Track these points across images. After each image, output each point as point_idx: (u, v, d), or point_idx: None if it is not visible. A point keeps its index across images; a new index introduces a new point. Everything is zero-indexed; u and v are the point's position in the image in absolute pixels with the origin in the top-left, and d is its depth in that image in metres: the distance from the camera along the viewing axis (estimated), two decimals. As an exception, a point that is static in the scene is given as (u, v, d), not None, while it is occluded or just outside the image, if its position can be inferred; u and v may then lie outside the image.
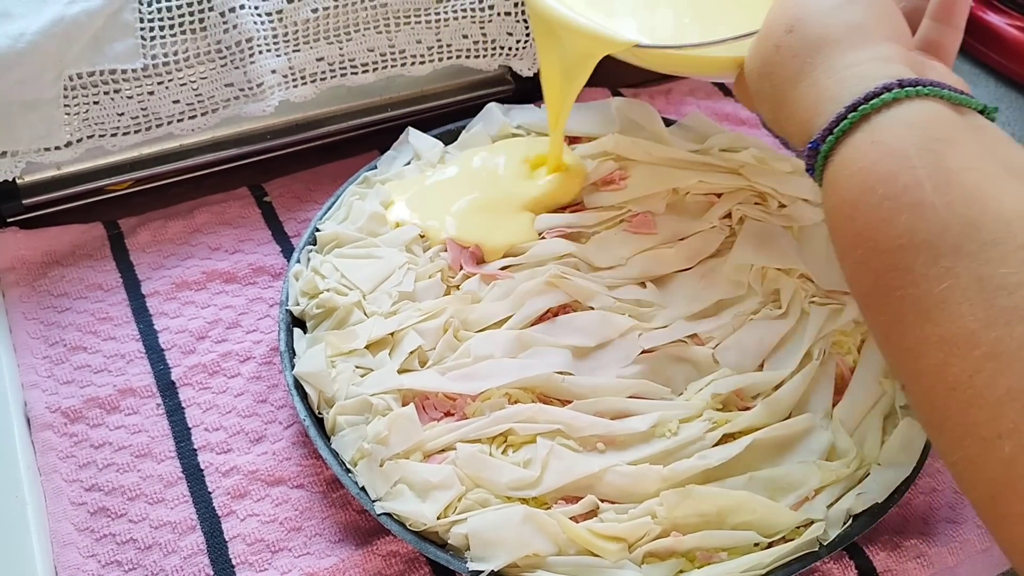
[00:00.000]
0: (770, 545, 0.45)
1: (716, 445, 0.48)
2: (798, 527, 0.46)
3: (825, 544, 0.46)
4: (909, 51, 0.39)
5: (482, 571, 0.43)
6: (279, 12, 0.61)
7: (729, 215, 0.59)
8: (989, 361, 0.29)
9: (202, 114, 0.62)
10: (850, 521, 0.47)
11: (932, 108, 0.34)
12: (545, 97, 0.58)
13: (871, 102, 0.35)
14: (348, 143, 0.69)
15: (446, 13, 0.65)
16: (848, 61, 0.38)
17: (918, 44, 0.42)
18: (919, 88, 0.34)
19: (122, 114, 0.59)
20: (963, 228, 0.31)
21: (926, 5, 0.45)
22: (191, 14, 0.59)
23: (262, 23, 0.60)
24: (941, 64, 0.40)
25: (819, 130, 0.37)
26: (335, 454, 0.49)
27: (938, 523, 0.50)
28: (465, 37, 0.67)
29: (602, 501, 0.46)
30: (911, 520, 0.50)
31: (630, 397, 0.50)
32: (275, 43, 0.61)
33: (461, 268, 0.56)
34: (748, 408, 0.50)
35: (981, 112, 0.36)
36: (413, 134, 0.65)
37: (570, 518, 0.45)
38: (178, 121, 0.61)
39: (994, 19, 0.82)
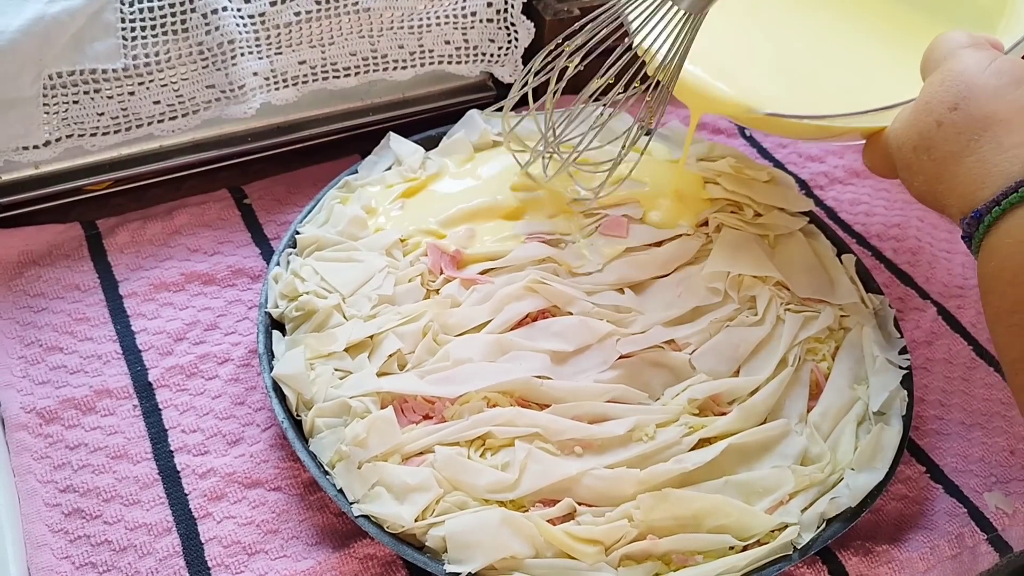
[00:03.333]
0: (745, 548, 0.46)
1: (692, 449, 0.49)
2: (772, 531, 0.47)
3: (799, 548, 0.46)
4: None
5: (459, 573, 0.44)
6: (262, 15, 0.61)
7: (706, 223, 0.59)
8: None
9: (183, 115, 0.61)
10: (823, 525, 0.47)
11: None
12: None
13: None
14: (329, 147, 0.69)
15: (429, 19, 0.66)
16: (1017, 141, 0.39)
17: None
18: None
19: (102, 114, 0.59)
20: None
21: None
22: (173, 15, 0.58)
23: (244, 25, 0.60)
24: None
25: (984, 202, 0.39)
26: (313, 456, 0.49)
27: (909, 529, 0.51)
28: (447, 43, 0.67)
29: (579, 504, 0.46)
30: (883, 525, 0.51)
31: (608, 401, 0.51)
32: (257, 46, 0.61)
33: (441, 272, 0.56)
34: (724, 413, 0.51)
35: None
36: (394, 139, 0.65)
37: (547, 521, 0.45)
38: (158, 122, 0.61)
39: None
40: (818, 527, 0.47)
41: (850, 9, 0.61)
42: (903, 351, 0.55)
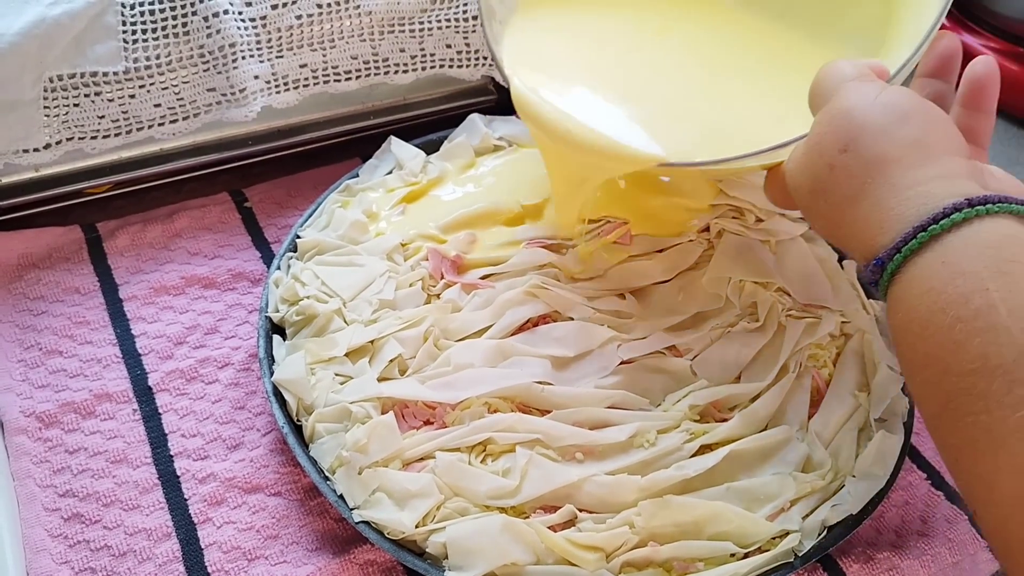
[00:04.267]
0: (746, 555, 0.46)
1: (693, 456, 0.49)
2: (773, 538, 0.46)
3: (800, 555, 0.46)
4: (969, 160, 0.38)
5: (460, 580, 0.44)
6: (263, 18, 0.61)
7: (707, 228, 0.59)
8: None
9: (183, 118, 0.61)
10: (825, 532, 0.47)
11: (1002, 226, 0.34)
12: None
13: (940, 223, 0.34)
14: (330, 150, 0.69)
15: (430, 23, 0.65)
16: (911, 180, 0.37)
17: None
18: (988, 206, 0.34)
19: (102, 117, 0.59)
20: None
21: (951, 91, 0.46)
22: (174, 18, 0.58)
23: (246, 28, 0.60)
24: (999, 170, 0.39)
25: (885, 248, 0.36)
26: (313, 462, 0.48)
27: (910, 536, 0.51)
28: (448, 47, 0.67)
29: (580, 511, 0.46)
30: (884, 533, 0.51)
31: (609, 407, 0.51)
32: (258, 49, 0.61)
33: (442, 277, 0.56)
34: (725, 420, 0.50)
35: None
36: (395, 143, 0.65)
37: (548, 527, 0.45)
38: (159, 125, 0.61)
39: (968, 40, 0.83)
40: (819, 534, 0.47)
41: (729, 38, 0.59)
42: (904, 357, 0.55)
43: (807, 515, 0.47)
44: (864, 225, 0.38)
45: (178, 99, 0.61)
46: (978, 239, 0.34)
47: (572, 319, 0.54)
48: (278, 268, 0.57)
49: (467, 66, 0.68)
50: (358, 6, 0.63)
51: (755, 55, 0.57)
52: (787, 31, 0.58)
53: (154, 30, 0.58)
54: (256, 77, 0.61)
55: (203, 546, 0.48)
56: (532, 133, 0.56)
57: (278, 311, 0.55)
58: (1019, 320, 0.31)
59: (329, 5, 0.62)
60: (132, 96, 0.59)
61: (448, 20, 0.66)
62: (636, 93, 0.55)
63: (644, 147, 0.51)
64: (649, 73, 0.57)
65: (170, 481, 0.50)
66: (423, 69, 0.67)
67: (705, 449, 0.49)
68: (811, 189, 0.41)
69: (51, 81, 0.57)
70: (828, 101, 0.41)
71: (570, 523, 0.46)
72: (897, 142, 0.38)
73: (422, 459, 0.48)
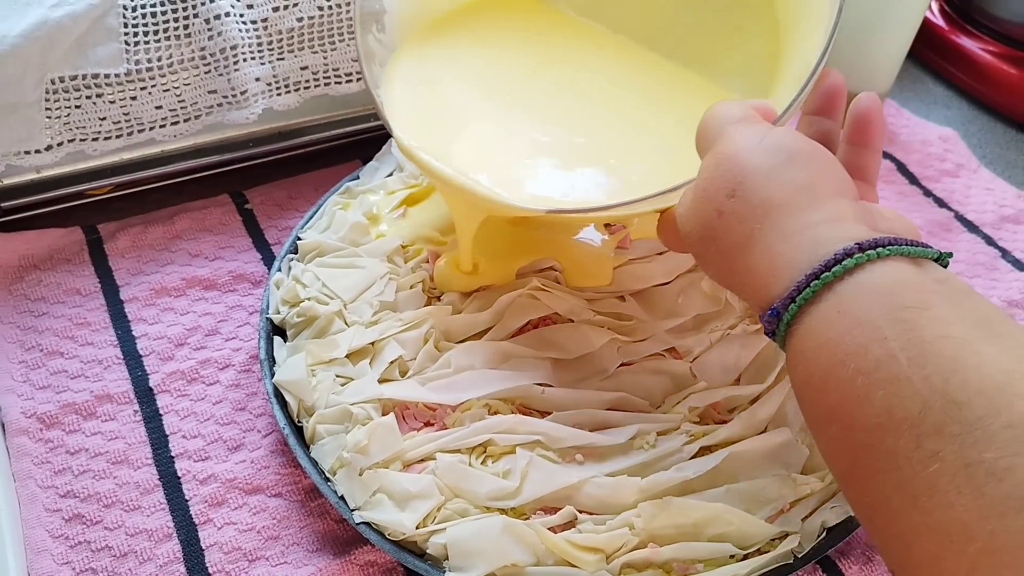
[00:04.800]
0: (745, 557, 0.46)
1: (693, 458, 0.49)
2: (773, 539, 0.46)
3: (799, 556, 0.46)
4: (857, 202, 0.37)
5: (460, 581, 0.44)
6: (264, 20, 0.61)
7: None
8: (986, 558, 0.27)
9: (184, 120, 0.62)
10: (824, 534, 0.47)
11: (895, 270, 0.33)
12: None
13: (832, 270, 0.33)
14: (330, 152, 0.70)
15: (431, 25, 0.66)
16: (800, 225, 0.36)
17: None
18: (879, 250, 0.33)
19: (104, 119, 0.59)
20: (944, 406, 0.29)
21: (838, 128, 0.45)
22: (176, 20, 0.59)
23: (247, 31, 0.60)
24: (888, 209, 0.39)
25: (778, 298, 0.35)
26: (314, 463, 0.49)
27: (909, 537, 0.51)
28: (449, 49, 0.67)
29: (580, 512, 0.46)
30: (883, 534, 0.51)
31: (609, 409, 0.51)
32: (259, 51, 0.61)
33: (443, 279, 0.56)
34: (725, 421, 0.51)
35: (937, 260, 0.35)
36: (396, 145, 0.65)
37: (548, 528, 0.45)
38: (160, 127, 0.61)
39: (967, 43, 0.84)
40: (819, 536, 0.47)
41: (619, 76, 0.57)
42: (903, 360, 0.55)
43: (806, 517, 0.47)
44: (756, 273, 0.37)
45: (179, 101, 0.61)
46: (872, 285, 0.32)
47: (572, 321, 0.55)
48: (279, 270, 0.58)
49: (468, 68, 0.69)
50: (359, 9, 0.63)
51: (647, 94, 0.56)
52: (679, 68, 0.57)
53: (155, 32, 0.58)
54: (257, 79, 0.62)
55: (204, 547, 0.48)
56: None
57: (279, 313, 0.55)
58: (920, 369, 0.29)
59: (330, 7, 0.62)
60: (133, 98, 0.59)
61: (449, 23, 0.66)
62: (523, 135, 0.54)
63: (528, 196, 0.50)
64: (535, 113, 0.56)
65: (171, 482, 0.50)
66: (424, 71, 0.68)
67: (705, 451, 0.49)
68: (701, 236, 0.39)
69: (53, 83, 0.57)
70: (714, 144, 0.40)
71: (570, 524, 0.46)
72: (784, 185, 0.37)
73: (423, 460, 0.48)
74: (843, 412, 0.32)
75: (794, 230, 0.36)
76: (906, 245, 0.34)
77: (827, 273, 0.33)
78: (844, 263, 0.33)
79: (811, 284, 0.33)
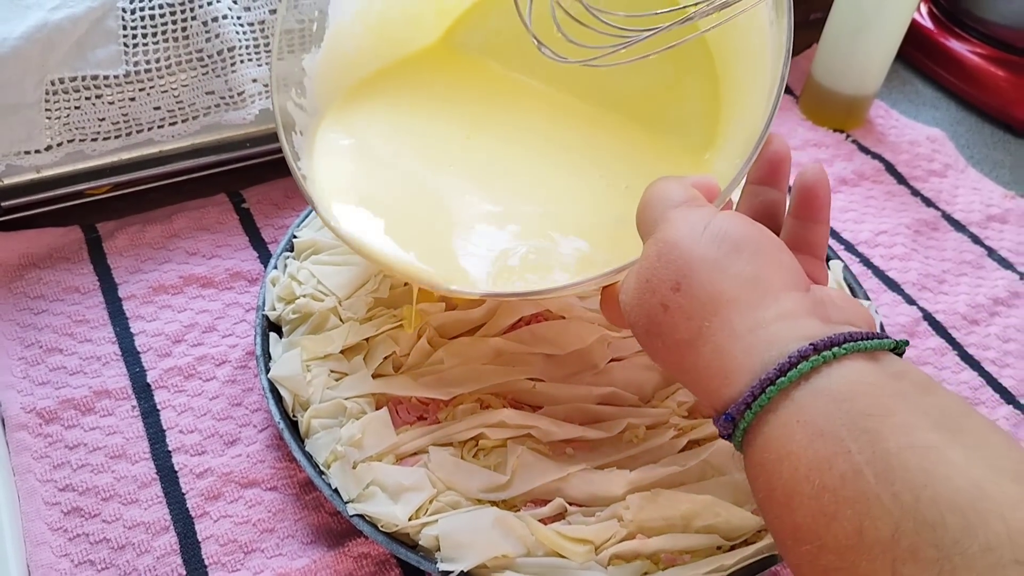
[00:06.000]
0: (732, 548, 0.47)
1: (681, 451, 0.50)
2: (759, 530, 0.47)
3: (785, 548, 0.47)
4: (808, 292, 0.36)
5: (452, 572, 0.44)
6: (261, 22, 0.62)
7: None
8: None
9: (183, 121, 0.62)
10: (809, 526, 0.48)
11: (853, 371, 0.31)
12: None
13: (788, 374, 0.32)
14: (326, 152, 0.70)
15: (425, 27, 0.67)
16: (750, 323, 0.34)
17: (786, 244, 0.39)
18: (835, 350, 0.32)
19: (103, 119, 0.60)
20: (916, 527, 0.27)
21: (783, 199, 0.43)
22: (174, 22, 0.59)
23: (244, 33, 0.61)
24: (839, 293, 0.36)
25: (732, 402, 0.33)
26: (309, 457, 0.49)
27: (894, 529, 0.52)
28: (443, 51, 0.68)
29: (570, 504, 0.47)
30: (868, 526, 0.52)
31: (599, 404, 0.51)
32: (256, 53, 0.62)
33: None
34: (713, 416, 0.51)
35: (894, 349, 0.33)
36: (390, 145, 0.66)
37: (539, 520, 0.46)
38: (159, 127, 0.62)
39: (955, 45, 0.85)
40: (804, 527, 0.48)
41: (552, 135, 0.55)
42: (889, 356, 0.56)
43: (792, 509, 0.48)
44: (707, 373, 0.35)
45: (177, 102, 0.62)
46: (830, 391, 0.31)
47: (564, 318, 0.55)
48: (275, 267, 0.58)
49: (461, 70, 0.69)
50: (354, 11, 0.64)
51: (585, 153, 0.54)
52: (616, 120, 0.55)
53: (154, 34, 0.59)
54: (254, 80, 0.63)
55: (200, 539, 0.49)
56: None
57: (275, 309, 0.56)
58: (888, 486, 0.28)
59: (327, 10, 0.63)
60: (132, 99, 0.60)
61: (443, 25, 0.67)
62: (458, 207, 0.51)
63: (464, 278, 0.48)
64: (471, 183, 0.53)
65: (168, 476, 0.51)
66: (418, 73, 0.69)
67: (693, 445, 0.50)
68: (646, 329, 0.37)
69: (52, 84, 0.58)
70: (655, 228, 0.38)
71: (560, 516, 0.47)
72: (732, 279, 0.35)
73: (415, 454, 0.49)
74: (811, 532, 0.30)
75: (745, 329, 0.34)
76: (862, 340, 0.32)
77: (782, 378, 0.32)
78: (799, 367, 0.31)
79: (766, 390, 0.32)
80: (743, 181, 0.44)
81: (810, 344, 0.32)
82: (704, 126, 0.52)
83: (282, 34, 0.51)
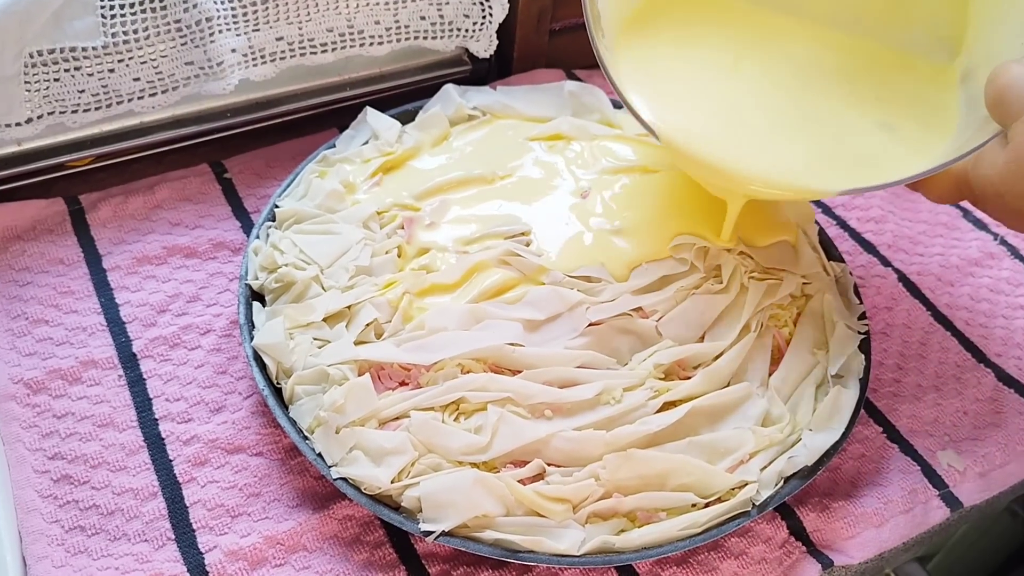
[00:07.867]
0: (707, 505, 0.48)
1: (657, 412, 0.51)
2: (733, 488, 0.49)
3: (757, 504, 0.48)
4: None
5: (433, 531, 0.46)
6: (238, -8, 0.62)
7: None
8: None
9: (162, 92, 0.63)
10: (782, 483, 0.49)
11: None
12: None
13: None
14: (307, 121, 0.71)
15: (404, -5, 0.67)
16: None
17: None
18: None
19: (83, 91, 0.60)
20: None
21: None
22: (151, -7, 0.59)
23: (222, 3, 0.61)
24: None
25: None
26: (293, 422, 0.50)
27: (865, 486, 0.53)
28: (423, 19, 0.68)
29: (549, 465, 0.48)
30: (840, 483, 0.53)
31: (577, 367, 0.52)
32: (235, 22, 0.62)
33: (417, 243, 0.57)
34: (689, 377, 0.52)
35: None
36: (371, 114, 0.66)
37: (518, 481, 0.47)
38: (139, 98, 0.62)
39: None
40: (776, 484, 0.49)
41: (817, 56, 0.58)
42: (862, 317, 0.57)
43: (765, 467, 0.50)
44: None
45: (157, 73, 0.62)
46: None
47: (543, 284, 0.56)
48: (257, 237, 0.59)
49: (441, 37, 0.70)
50: (332, -21, 0.64)
51: (848, 70, 0.58)
52: (864, 42, 0.58)
53: (131, 4, 0.59)
54: (233, 50, 0.63)
55: (188, 504, 0.50)
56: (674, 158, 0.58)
57: (257, 279, 0.56)
58: None
59: (303, -22, 0.63)
60: (111, 70, 0.60)
61: (422, -8, 0.67)
62: (756, 111, 0.56)
63: (816, 181, 0.51)
64: (758, 94, 0.57)
65: (155, 443, 0.52)
66: (398, 41, 0.69)
67: (669, 405, 0.51)
68: None
69: (31, 56, 0.57)
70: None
71: (539, 477, 0.48)
72: None
73: (397, 418, 0.50)
74: None
75: None
76: None
77: None
78: None
79: None
80: None
81: None
82: (952, 30, 0.55)
83: None
